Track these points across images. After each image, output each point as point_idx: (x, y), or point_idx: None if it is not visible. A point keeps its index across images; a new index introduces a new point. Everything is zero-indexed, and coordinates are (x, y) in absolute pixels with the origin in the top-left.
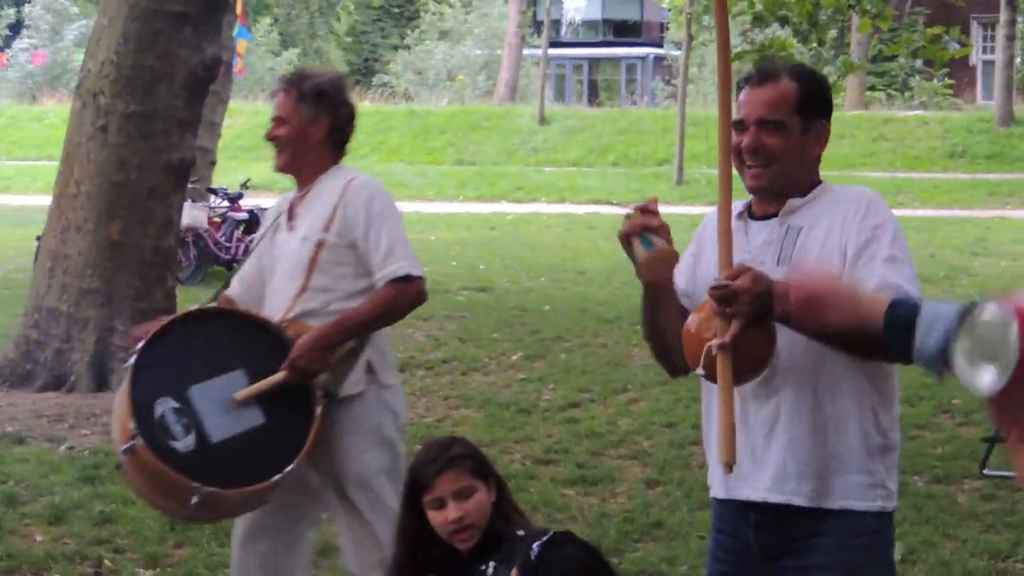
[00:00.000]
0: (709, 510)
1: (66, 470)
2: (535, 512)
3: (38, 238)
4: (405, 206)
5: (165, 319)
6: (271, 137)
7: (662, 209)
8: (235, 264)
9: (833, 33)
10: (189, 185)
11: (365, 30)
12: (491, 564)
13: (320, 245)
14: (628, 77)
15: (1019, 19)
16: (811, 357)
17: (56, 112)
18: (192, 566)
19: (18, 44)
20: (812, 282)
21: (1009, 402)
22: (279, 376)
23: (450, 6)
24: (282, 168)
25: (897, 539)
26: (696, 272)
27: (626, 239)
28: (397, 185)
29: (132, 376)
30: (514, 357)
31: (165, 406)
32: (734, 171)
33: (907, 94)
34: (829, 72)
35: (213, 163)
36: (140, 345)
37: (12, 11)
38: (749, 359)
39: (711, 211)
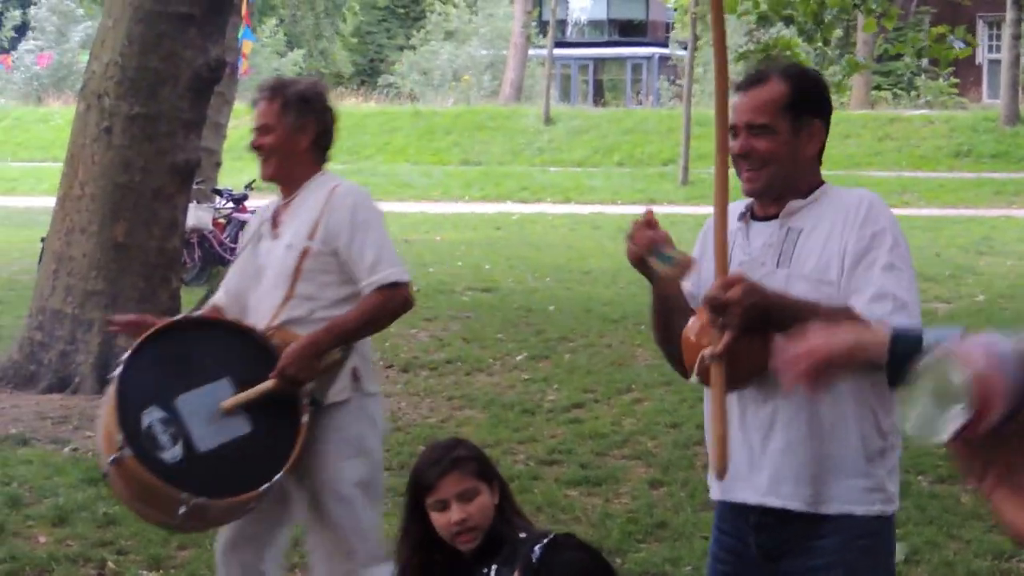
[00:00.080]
0: (713, 511)
1: (70, 472)
2: (539, 513)
3: (42, 240)
4: (410, 206)
5: (150, 328)
6: (257, 146)
7: (667, 209)
8: None
9: (838, 32)
10: (194, 186)
11: (371, 31)
12: (493, 567)
13: (305, 253)
14: (633, 77)
15: None
16: None
17: (61, 114)
18: (195, 568)
19: (24, 46)
20: (815, 352)
21: (977, 444)
22: (267, 385)
23: (455, 7)
24: (269, 177)
25: (901, 539)
26: (702, 273)
27: (639, 259)
28: (402, 185)
29: (118, 386)
30: (518, 357)
31: (152, 416)
32: (733, 176)
33: (913, 93)
34: (834, 71)
35: (218, 164)
36: (126, 355)
37: (18, 13)
38: (744, 368)
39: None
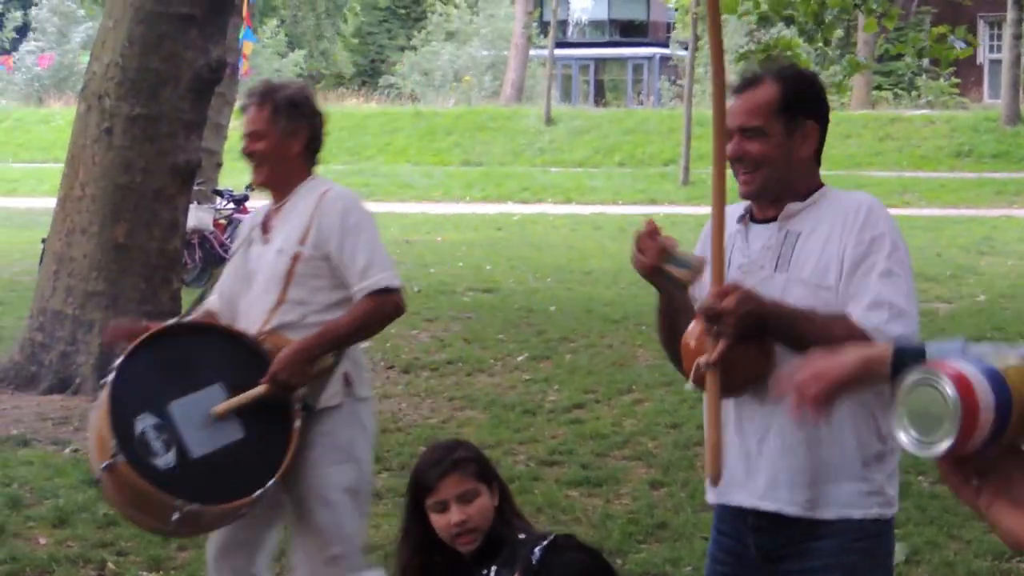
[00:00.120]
0: (713, 512)
1: (70, 473)
2: (539, 513)
3: (43, 241)
4: (411, 207)
5: (142, 334)
6: (249, 152)
7: (668, 209)
8: None
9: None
10: (195, 187)
11: (372, 31)
12: (493, 568)
13: (296, 258)
14: (634, 77)
15: None
16: None
17: (63, 114)
18: (195, 569)
19: (25, 47)
20: (822, 377)
21: (967, 462)
22: (259, 390)
23: (456, 7)
24: (262, 183)
25: (901, 539)
26: (704, 275)
27: (650, 270)
28: (403, 186)
29: (111, 392)
30: (519, 358)
31: (145, 422)
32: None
33: (914, 93)
34: (835, 72)
35: (219, 165)
36: (119, 361)
37: (19, 14)
38: (739, 376)
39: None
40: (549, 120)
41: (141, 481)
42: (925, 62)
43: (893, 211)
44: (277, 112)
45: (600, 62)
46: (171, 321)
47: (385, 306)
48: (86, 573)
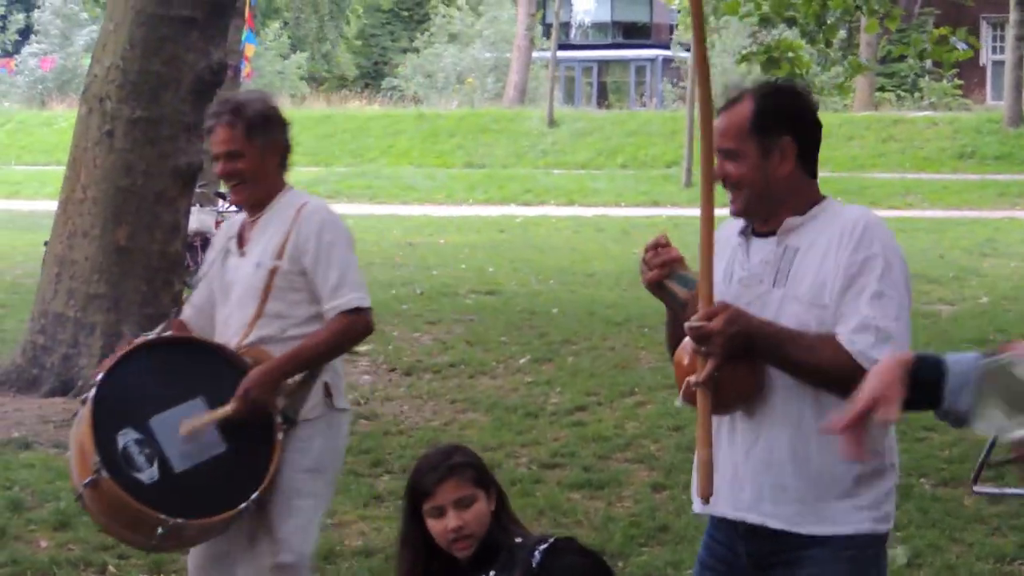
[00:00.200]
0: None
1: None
2: (541, 516)
3: (46, 243)
4: (414, 209)
5: (122, 350)
6: (229, 173)
7: (671, 211)
8: None
9: (842, 34)
10: (196, 189)
11: (374, 33)
12: (491, 574)
13: (274, 272)
14: (637, 79)
15: None
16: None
17: (65, 117)
18: None
19: (27, 49)
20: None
21: None
22: (227, 409)
23: (459, 9)
24: (245, 201)
25: (903, 542)
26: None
27: (656, 284)
28: (406, 188)
29: (92, 408)
30: (522, 360)
31: (127, 437)
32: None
33: (916, 95)
34: (837, 73)
35: None
36: (99, 376)
37: (22, 16)
38: (729, 395)
39: (722, 226)
40: (552, 122)
41: (125, 496)
42: (928, 63)
43: (896, 213)
44: (252, 129)
45: (603, 64)
46: (151, 335)
47: (355, 326)
48: None
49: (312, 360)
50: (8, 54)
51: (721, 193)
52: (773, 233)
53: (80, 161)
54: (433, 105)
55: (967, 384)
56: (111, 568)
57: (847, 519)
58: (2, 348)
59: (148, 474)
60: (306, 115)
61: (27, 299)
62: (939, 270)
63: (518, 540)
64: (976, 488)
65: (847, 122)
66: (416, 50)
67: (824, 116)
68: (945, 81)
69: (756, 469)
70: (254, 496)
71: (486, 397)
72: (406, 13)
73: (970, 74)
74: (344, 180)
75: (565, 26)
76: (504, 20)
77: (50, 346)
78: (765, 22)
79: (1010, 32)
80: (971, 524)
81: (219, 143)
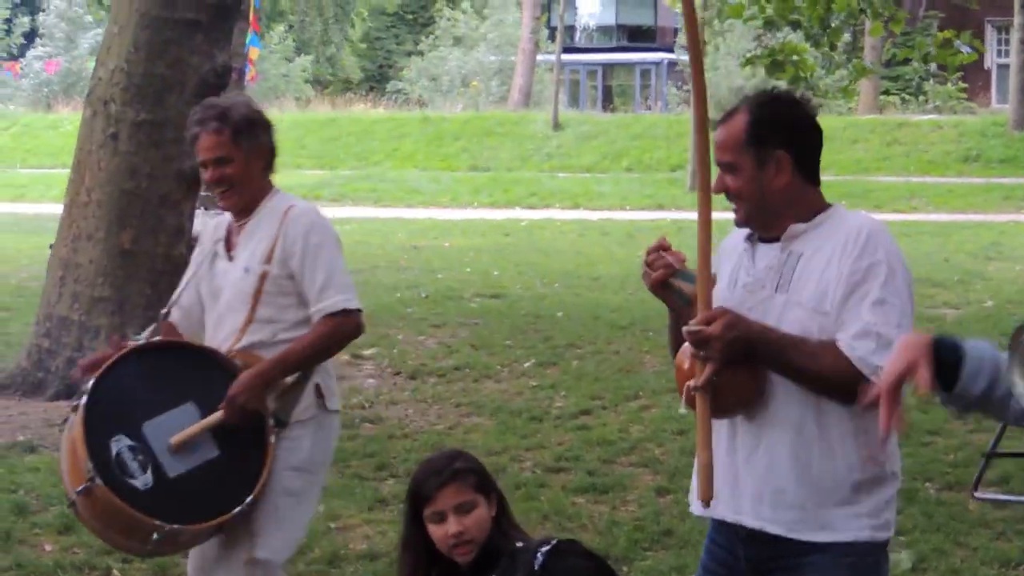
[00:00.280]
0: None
1: None
2: (545, 520)
3: (51, 246)
4: (419, 212)
5: (112, 354)
6: (218, 179)
7: (676, 215)
8: None
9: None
10: (200, 193)
11: (379, 36)
12: None
13: (263, 277)
14: (642, 82)
15: None
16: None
17: (71, 120)
18: None
19: (32, 52)
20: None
21: None
22: (216, 416)
23: (464, 12)
24: (234, 207)
25: (907, 546)
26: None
27: (659, 285)
28: (411, 191)
29: (84, 415)
30: (526, 364)
31: (120, 444)
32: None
33: (921, 98)
34: (841, 76)
35: None
36: (90, 383)
37: (27, 19)
38: (728, 399)
39: (731, 233)
40: (557, 125)
41: (120, 503)
42: (932, 67)
43: (900, 216)
44: (238, 134)
45: (608, 67)
46: (140, 340)
47: (343, 328)
48: None
49: (299, 364)
50: (13, 57)
51: (723, 198)
52: (778, 239)
53: (84, 164)
54: (438, 108)
55: (984, 368)
56: (115, 572)
57: (846, 526)
58: (7, 351)
59: (142, 480)
60: (311, 118)
61: (33, 302)
62: (944, 274)
63: (519, 545)
64: (977, 494)
65: (851, 125)
66: (421, 53)
67: (828, 119)
68: (950, 84)
69: (757, 474)
70: (248, 500)
71: (491, 401)
72: (411, 16)
73: (975, 77)
74: (349, 183)
75: (570, 29)
76: (509, 23)
77: (55, 349)
78: (769, 25)
79: (1015, 35)
80: (975, 529)
81: (206, 149)
